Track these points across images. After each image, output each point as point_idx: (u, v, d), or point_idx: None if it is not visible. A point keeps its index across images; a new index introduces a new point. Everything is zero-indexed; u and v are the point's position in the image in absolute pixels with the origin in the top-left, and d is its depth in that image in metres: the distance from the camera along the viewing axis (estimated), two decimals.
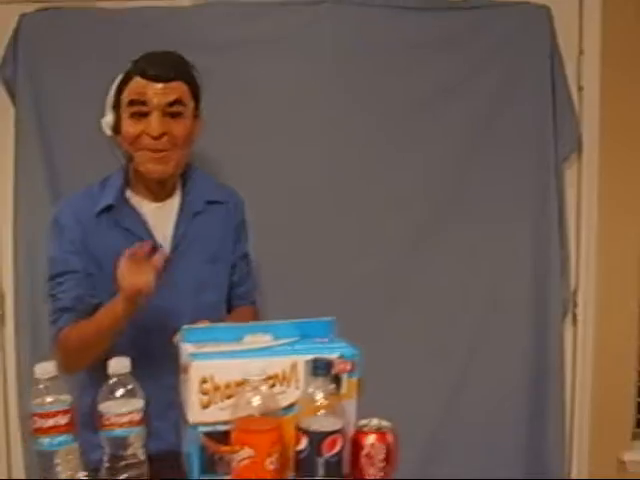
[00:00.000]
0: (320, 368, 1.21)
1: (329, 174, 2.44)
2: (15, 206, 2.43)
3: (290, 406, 1.25)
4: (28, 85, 2.37)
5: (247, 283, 2.02)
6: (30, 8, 2.36)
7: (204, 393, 1.23)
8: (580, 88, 2.49)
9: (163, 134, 1.68)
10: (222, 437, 1.22)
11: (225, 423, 1.22)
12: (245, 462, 1.17)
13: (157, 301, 1.62)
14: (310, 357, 1.25)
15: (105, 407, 1.24)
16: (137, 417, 1.25)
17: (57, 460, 1.23)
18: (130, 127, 1.71)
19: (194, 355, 1.26)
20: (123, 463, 1.25)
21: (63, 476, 1.23)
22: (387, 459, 1.23)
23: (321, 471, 1.20)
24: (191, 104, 1.75)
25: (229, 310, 1.98)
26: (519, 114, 2.46)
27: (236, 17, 2.41)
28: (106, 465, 1.26)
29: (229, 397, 1.24)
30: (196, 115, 1.79)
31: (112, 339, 1.62)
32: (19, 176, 2.41)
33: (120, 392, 1.25)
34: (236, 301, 2.00)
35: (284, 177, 2.41)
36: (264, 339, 1.34)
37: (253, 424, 1.17)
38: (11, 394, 2.51)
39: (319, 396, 1.20)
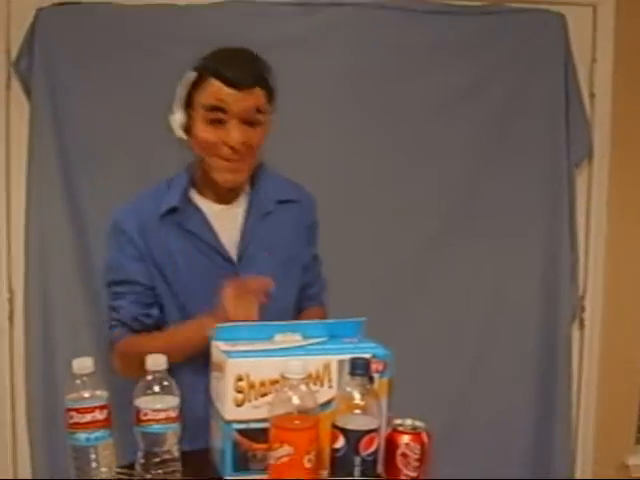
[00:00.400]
0: (359, 368, 1.22)
1: (340, 178, 2.43)
2: (27, 203, 2.41)
3: (325, 404, 1.25)
4: (43, 79, 2.35)
5: (318, 284, 1.93)
6: (47, 2, 2.34)
7: (239, 391, 1.24)
8: (592, 95, 2.52)
9: (242, 144, 1.58)
10: (256, 434, 1.23)
11: (259, 421, 1.23)
12: (284, 459, 1.17)
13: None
14: (342, 357, 1.26)
15: (142, 402, 1.24)
16: (173, 414, 1.25)
17: (93, 455, 1.23)
18: (206, 133, 1.59)
19: (229, 353, 1.26)
20: (158, 460, 1.25)
21: (99, 471, 1.23)
22: (421, 459, 1.24)
23: (358, 470, 1.20)
24: (269, 109, 1.64)
25: (299, 311, 1.88)
26: (532, 120, 2.49)
27: (252, 17, 2.39)
28: (141, 461, 1.26)
29: (263, 395, 1.24)
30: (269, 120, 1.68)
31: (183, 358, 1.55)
32: (32, 171, 2.40)
33: (157, 388, 1.24)
34: (306, 302, 1.88)
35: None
36: (294, 338, 1.36)
37: (292, 422, 1.17)
38: (19, 392, 2.50)
39: (357, 396, 1.21)
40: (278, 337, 1.35)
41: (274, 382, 1.24)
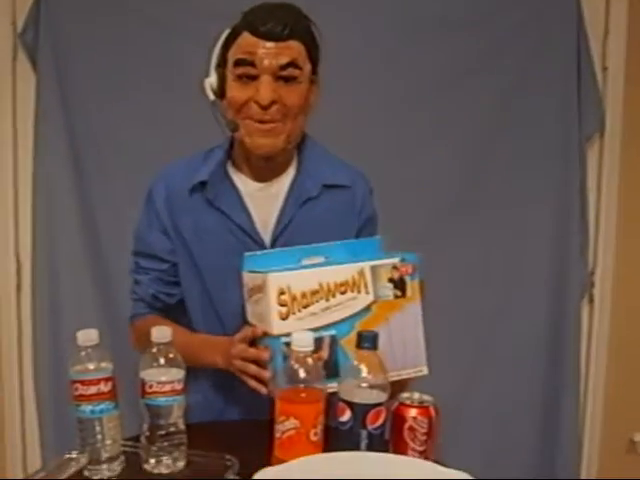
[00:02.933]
0: (367, 341, 1.21)
1: (348, 152, 2.41)
2: (34, 175, 2.42)
3: (363, 310, 1.30)
4: (49, 51, 2.35)
5: None
6: None
7: (282, 304, 1.26)
8: (605, 68, 2.49)
9: (273, 102, 1.42)
10: None
11: None
12: (290, 433, 1.17)
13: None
14: (375, 263, 1.30)
15: (147, 375, 1.23)
16: (178, 386, 1.24)
17: (98, 428, 1.22)
18: (236, 91, 1.45)
19: (268, 271, 1.27)
20: (163, 432, 1.24)
21: (104, 443, 1.22)
22: (429, 433, 1.23)
23: (364, 443, 1.20)
24: (307, 67, 1.46)
25: None
26: (544, 93, 2.46)
27: None
28: (146, 434, 1.25)
29: (306, 306, 1.27)
30: (313, 80, 1.51)
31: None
32: (39, 143, 2.40)
33: (162, 361, 1.24)
34: None
35: None
36: (319, 260, 1.36)
37: (298, 395, 1.17)
38: (26, 362, 2.51)
39: (364, 370, 1.20)
40: (305, 261, 1.36)
41: (314, 292, 1.27)
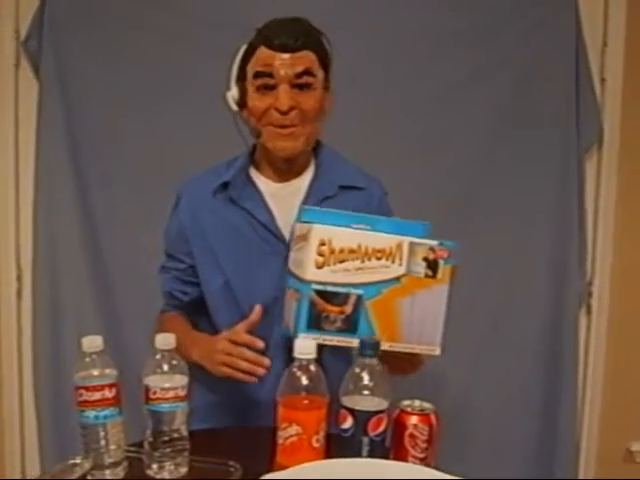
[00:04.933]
0: (368, 348, 1.23)
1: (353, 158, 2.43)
2: (36, 181, 2.43)
3: (393, 279, 1.36)
4: (52, 59, 2.36)
5: None
6: None
7: (320, 254, 1.32)
8: (603, 80, 2.51)
9: (291, 108, 1.54)
10: (330, 297, 1.33)
11: (335, 284, 1.33)
12: (292, 439, 1.18)
13: (272, 292, 1.58)
14: (415, 240, 1.37)
15: (151, 381, 1.24)
16: (182, 393, 1.26)
17: (102, 433, 1.24)
18: (257, 101, 1.58)
19: (315, 222, 1.35)
20: (166, 438, 1.25)
21: (108, 449, 1.24)
22: (429, 441, 1.24)
23: (366, 450, 1.21)
24: (320, 74, 1.59)
25: None
26: (542, 104, 2.47)
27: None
28: (149, 440, 1.26)
29: (341, 262, 1.33)
30: (326, 87, 1.64)
31: None
32: (41, 150, 2.41)
33: (166, 367, 1.25)
34: None
35: None
36: (365, 228, 1.41)
37: (301, 402, 1.18)
38: (26, 368, 2.51)
39: (365, 377, 1.22)
40: (353, 226, 1.41)
41: (352, 251, 1.34)
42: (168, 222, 1.75)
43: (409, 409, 1.25)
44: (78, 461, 1.24)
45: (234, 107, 1.64)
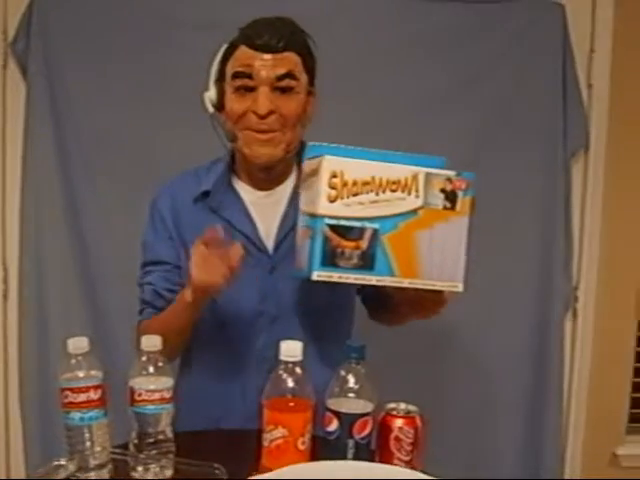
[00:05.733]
0: (354, 351, 1.23)
1: None
2: (22, 181, 2.42)
3: (410, 212, 1.30)
4: (40, 61, 2.35)
5: None
6: None
7: (332, 187, 1.26)
8: (590, 86, 2.52)
9: (271, 112, 1.46)
10: (345, 232, 1.27)
11: (349, 218, 1.27)
12: (278, 441, 1.18)
13: (256, 306, 1.56)
14: (431, 170, 1.31)
15: (136, 383, 1.24)
16: (167, 395, 1.26)
17: (87, 435, 1.23)
18: (234, 103, 1.50)
19: (329, 149, 1.29)
20: (151, 440, 1.25)
21: (93, 451, 1.23)
22: (415, 443, 1.24)
23: (351, 452, 1.22)
24: (304, 78, 1.51)
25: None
26: (529, 109, 2.49)
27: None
28: (134, 441, 1.26)
29: (355, 194, 1.27)
30: (310, 91, 1.56)
31: (185, 329, 1.51)
32: (28, 151, 2.39)
33: (151, 369, 1.25)
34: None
35: None
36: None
37: (286, 404, 1.18)
38: (12, 370, 2.50)
39: (351, 380, 1.22)
40: None
41: (366, 183, 1.27)
42: (147, 230, 1.65)
43: (394, 412, 1.25)
44: (63, 463, 1.23)
45: (210, 109, 1.58)
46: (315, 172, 1.29)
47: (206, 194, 1.58)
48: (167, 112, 2.34)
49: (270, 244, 1.57)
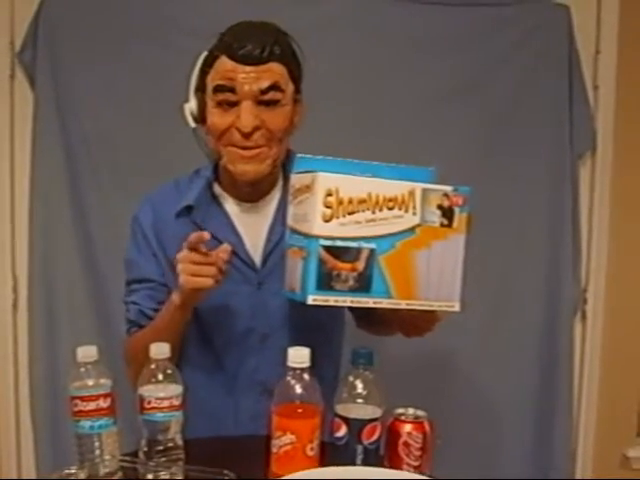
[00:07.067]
0: (362, 357, 1.23)
1: None
2: (31, 191, 2.43)
3: (407, 230, 1.27)
4: (47, 70, 2.36)
5: None
6: None
7: (327, 206, 1.21)
8: (596, 87, 2.53)
9: (256, 129, 1.39)
10: (340, 253, 1.23)
11: (345, 239, 1.23)
12: (286, 448, 1.18)
13: (245, 323, 1.52)
14: (427, 186, 1.28)
15: (145, 391, 1.25)
16: (176, 402, 1.26)
17: (97, 443, 1.24)
18: (217, 118, 1.42)
19: (319, 171, 1.23)
20: (161, 447, 1.26)
21: (103, 459, 1.24)
22: (423, 448, 1.24)
23: (360, 458, 1.22)
24: (290, 88, 1.44)
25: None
26: (535, 112, 2.49)
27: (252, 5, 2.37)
28: (144, 449, 1.27)
29: (351, 213, 1.23)
30: (296, 99, 1.49)
31: (174, 335, 1.45)
32: (36, 161, 2.40)
33: (160, 377, 1.25)
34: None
35: None
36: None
37: (295, 411, 1.18)
38: (22, 378, 2.51)
39: (359, 386, 1.22)
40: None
41: (362, 201, 1.23)
42: (130, 247, 1.60)
43: (403, 417, 1.25)
44: (73, 471, 1.24)
45: (191, 123, 1.50)
46: (308, 189, 1.24)
47: (189, 208, 1.51)
48: (172, 115, 2.33)
49: (257, 258, 1.52)
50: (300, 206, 1.28)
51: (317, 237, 1.21)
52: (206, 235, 1.32)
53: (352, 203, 1.22)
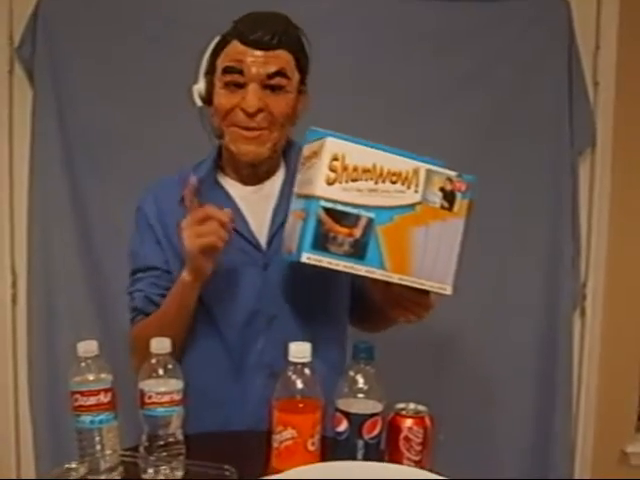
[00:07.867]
0: (363, 352, 1.23)
1: None
2: (30, 186, 2.43)
3: (407, 206, 1.29)
4: (46, 65, 2.36)
5: None
6: None
7: (332, 170, 1.24)
8: (596, 83, 2.52)
9: (259, 110, 1.44)
10: (339, 217, 1.25)
11: (345, 204, 1.25)
12: (288, 442, 1.18)
13: (252, 305, 1.53)
14: (432, 167, 1.31)
15: (146, 385, 1.24)
16: (177, 397, 1.26)
17: (97, 438, 1.24)
18: (223, 98, 1.47)
19: (331, 134, 1.26)
20: (162, 442, 1.26)
21: (103, 454, 1.24)
22: (424, 443, 1.24)
23: (361, 453, 1.21)
24: (296, 77, 1.49)
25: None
26: (535, 107, 2.48)
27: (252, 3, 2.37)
28: (145, 444, 1.27)
29: (354, 180, 1.26)
30: (301, 90, 1.54)
31: (182, 321, 1.49)
32: (35, 155, 2.41)
33: (161, 371, 1.25)
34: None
35: None
36: None
37: (296, 405, 1.18)
38: (21, 374, 2.51)
39: (360, 381, 1.22)
40: None
41: (366, 170, 1.26)
42: (134, 236, 1.62)
43: (404, 412, 1.25)
44: (74, 466, 1.23)
45: (198, 102, 1.55)
46: (316, 154, 1.27)
47: None
48: (172, 111, 2.33)
49: (262, 239, 1.55)
50: (307, 172, 1.31)
51: (318, 198, 1.24)
52: (193, 179, 1.38)
53: (357, 171, 1.25)
